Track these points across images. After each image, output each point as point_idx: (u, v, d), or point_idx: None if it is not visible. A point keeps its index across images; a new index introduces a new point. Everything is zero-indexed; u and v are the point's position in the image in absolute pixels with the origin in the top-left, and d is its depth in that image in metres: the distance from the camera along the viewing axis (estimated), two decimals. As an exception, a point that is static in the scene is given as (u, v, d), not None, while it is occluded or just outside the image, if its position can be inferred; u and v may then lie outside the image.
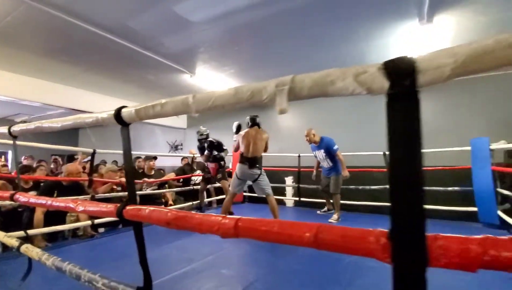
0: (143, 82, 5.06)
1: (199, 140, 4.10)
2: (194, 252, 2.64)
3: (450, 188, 3.70)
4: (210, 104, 0.67)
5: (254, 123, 3.27)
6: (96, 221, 3.10)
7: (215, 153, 4.05)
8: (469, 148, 3.36)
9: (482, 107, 4.28)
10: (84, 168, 4.24)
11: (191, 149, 5.18)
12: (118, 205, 0.81)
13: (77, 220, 3.23)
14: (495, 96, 4.19)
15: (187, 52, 3.77)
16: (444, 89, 4.30)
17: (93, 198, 3.19)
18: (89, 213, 0.89)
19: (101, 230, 3.52)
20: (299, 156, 5.04)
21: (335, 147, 3.70)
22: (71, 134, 9.70)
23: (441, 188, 3.76)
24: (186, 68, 4.33)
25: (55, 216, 3.01)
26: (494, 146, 3.15)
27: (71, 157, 5.00)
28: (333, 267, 2.15)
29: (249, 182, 3.34)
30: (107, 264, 2.32)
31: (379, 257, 0.47)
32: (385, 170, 4.31)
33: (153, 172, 4.62)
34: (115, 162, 6.86)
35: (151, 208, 0.75)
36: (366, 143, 4.77)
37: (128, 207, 0.78)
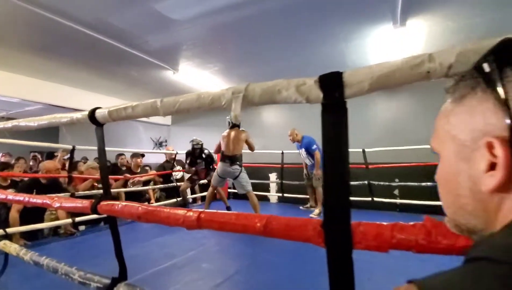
0: (126, 79, 5.00)
1: (193, 148, 4.21)
2: (176, 248, 2.70)
3: (423, 183, 3.91)
4: (176, 107, 0.73)
5: (234, 125, 3.44)
6: (77, 219, 3.08)
7: (200, 164, 4.27)
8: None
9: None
10: (63, 165, 4.18)
11: (169, 146, 5.22)
12: (93, 201, 0.86)
13: (57, 218, 3.20)
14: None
15: (170, 49, 3.77)
16: (422, 90, 4.50)
17: (73, 196, 3.16)
18: (65, 209, 0.92)
19: (82, 228, 3.50)
20: (282, 153, 5.16)
21: (314, 147, 3.91)
22: (51, 130, 9.41)
23: (415, 183, 3.98)
24: (169, 65, 4.32)
25: (33, 214, 2.97)
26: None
27: (51, 154, 4.89)
28: (311, 259, 2.26)
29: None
30: (87, 261, 2.33)
31: (315, 242, 0.55)
32: (363, 166, 4.51)
33: (139, 170, 4.61)
34: (97, 159, 6.74)
35: (123, 203, 0.80)
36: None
37: (102, 203, 0.83)
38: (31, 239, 3.02)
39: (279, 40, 3.52)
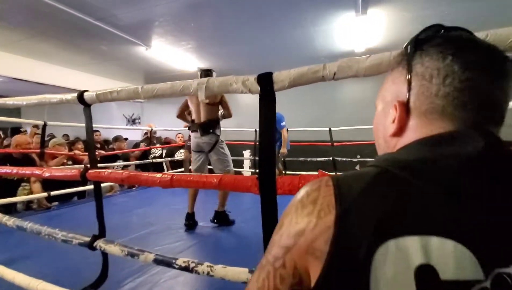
0: (96, 53, 4.83)
1: None
2: (155, 218, 2.90)
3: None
4: (154, 93, 0.92)
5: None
6: (53, 193, 3.15)
7: None
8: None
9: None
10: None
11: (150, 123, 5.21)
12: (81, 169, 1.04)
13: (30, 193, 3.24)
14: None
15: (141, 25, 3.72)
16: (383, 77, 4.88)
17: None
18: (56, 178, 1.06)
19: (55, 203, 3.55)
20: (255, 130, 5.42)
21: (282, 123, 3.80)
22: (11, 104, 8.80)
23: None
24: (141, 41, 4.26)
25: (5, 189, 3.00)
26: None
27: (16, 130, 4.72)
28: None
29: None
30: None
31: (253, 190, 0.81)
32: (330, 144, 4.93)
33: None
34: (66, 135, 6.57)
35: (109, 170, 1.00)
36: (314, 120, 5.29)
37: (90, 171, 1.01)
38: (5, 214, 3.06)
39: (252, 22, 3.62)
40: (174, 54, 4.82)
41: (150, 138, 4.99)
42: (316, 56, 4.66)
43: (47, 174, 1.17)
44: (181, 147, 5.13)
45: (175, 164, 5.10)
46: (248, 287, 0.37)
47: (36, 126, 4.35)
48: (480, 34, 0.58)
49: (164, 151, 5.18)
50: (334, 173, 4.69)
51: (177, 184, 0.89)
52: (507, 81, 0.35)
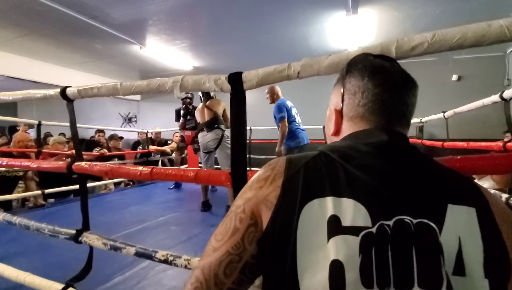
0: (90, 51, 4.85)
1: (182, 99, 3.55)
2: (147, 215, 2.93)
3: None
4: (133, 90, 0.96)
5: (208, 96, 3.02)
6: (47, 190, 3.18)
7: (189, 121, 3.67)
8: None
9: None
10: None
11: (155, 126, 5.22)
12: (68, 162, 1.07)
13: (26, 190, 3.28)
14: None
15: (135, 23, 3.74)
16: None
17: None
18: (43, 169, 1.09)
19: (51, 200, 3.58)
20: (250, 129, 5.45)
21: (280, 114, 2.91)
22: (9, 104, 8.81)
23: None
24: (136, 40, 4.28)
25: (3, 188, 3.03)
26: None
27: (13, 129, 4.74)
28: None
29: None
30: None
31: (226, 185, 0.85)
32: (323, 141, 4.96)
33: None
34: (62, 134, 6.58)
35: (94, 163, 1.04)
36: (308, 118, 5.32)
37: (76, 163, 1.05)
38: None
39: (245, 20, 3.65)
40: (168, 53, 4.85)
41: (148, 141, 4.94)
42: (310, 55, 4.67)
43: (34, 165, 1.21)
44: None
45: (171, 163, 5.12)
46: (216, 230, 0.48)
47: (26, 125, 4.36)
48: (427, 35, 0.62)
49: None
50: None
51: (157, 177, 0.93)
52: (406, 95, 0.48)
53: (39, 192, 3.09)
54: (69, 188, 3.42)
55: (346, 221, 0.38)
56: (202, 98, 3.07)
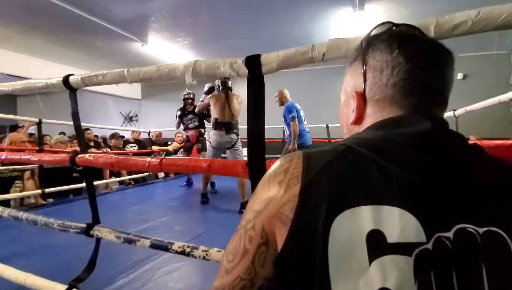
0: (91, 49, 4.80)
1: (184, 99, 3.56)
2: (150, 215, 2.87)
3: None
4: (141, 76, 0.90)
5: (225, 86, 2.92)
6: (47, 190, 3.11)
7: (191, 120, 3.65)
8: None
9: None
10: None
11: (156, 131, 5.13)
12: (71, 154, 1.01)
13: (23, 190, 3.21)
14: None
15: (137, 20, 3.69)
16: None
17: (41, 168, 3.18)
18: (45, 163, 1.04)
19: (50, 200, 3.52)
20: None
21: (290, 115, 3.15)
22: (8, 102, 8.77)
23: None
24: (138, 37, 4.23)
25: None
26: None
27: (14, 128, 4.66)
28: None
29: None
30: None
31: (243, 176, 0.79)
32: (326, 140, 4.91)
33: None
34: (62, 133, 6.53)
35: (99, 154, 0.98)
36: (311, 116, 5.27)
37: (79, 155, 0.99)
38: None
39: (249, 18, 3.60)
40: (170, 51, 4.80)
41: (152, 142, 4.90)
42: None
43: (35, 159, 1.15)
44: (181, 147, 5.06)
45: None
46: (226, 248, 0.41)
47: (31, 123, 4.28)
48: (471, 12, 0.57)
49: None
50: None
51: (167, 168, 0.88)
52: (445, 69, 0.39)
53: (38, 191, 3.03)
54: (69, 187, 3.36)
55: (393, 237, 0.30)
56: (220, 88, 2.93)
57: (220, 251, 0.85)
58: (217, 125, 2.85)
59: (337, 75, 5.97)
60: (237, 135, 2.92)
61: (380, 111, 0.40)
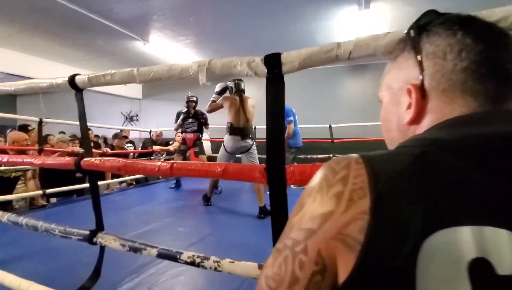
0: (92, 48, 4.75)
1: (188, 102, 3.56)
2: (152, 216, 2.82)
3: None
4: (151, 76, 0.86)
5: (239, 89, 2.87)
6: (48, 190, 3.07)
7: (191, 124, 3.66)
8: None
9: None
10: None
11: (157, 131, 5.09)
12: (76, 158, 0.97)
13: (25, 191, 3.16)
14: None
15: (139, 18, 3.64)
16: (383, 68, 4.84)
17: (43, 169, 3.14)
18: (48, 166, 1.00)
19: (53, 200, 3.48)
20: (254, 127, 5.34)
21: (288, 118, 3.41)
22: (8, 101, 8.71)
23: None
24: (139, 36, 4.18)
25: (3, 188, 2.92)
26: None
27: (24, 127, 4.56)
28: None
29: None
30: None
31: (261, 181, 0.75)
32: (329, 140, 4.87)
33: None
34: (62, 132, 6.48)
35: (105, 158, 0.93)
36: (314, 117, 5.24)
37: (85, 159, 0.95)
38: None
39: (252, 17, 3.56)
40: (172, 50, 4.75)
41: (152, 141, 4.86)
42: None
43: (38, 162, 1.10)
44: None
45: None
46: (264, 273, 0.33)
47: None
48: (506, 9, 0.54)
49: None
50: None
51: (178, 173, 0.83)
52: None
53: (40, 192, 2.98)
54: (71, 188, 3.31)
55: (503, 267, 0.23)
56: (233, 90, 2.87)
57: (233, 262, 0.79)
58: (233, 130, 2.80)
59: (339, 76, 5.94)
60: (253, 140, 2.87)
61: (448, 103, 0.33)
